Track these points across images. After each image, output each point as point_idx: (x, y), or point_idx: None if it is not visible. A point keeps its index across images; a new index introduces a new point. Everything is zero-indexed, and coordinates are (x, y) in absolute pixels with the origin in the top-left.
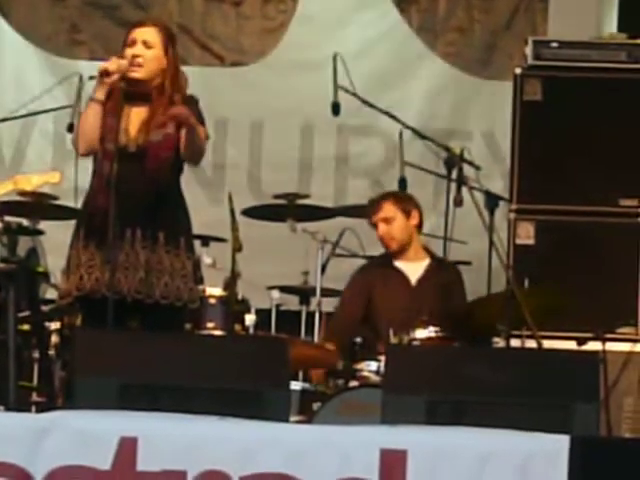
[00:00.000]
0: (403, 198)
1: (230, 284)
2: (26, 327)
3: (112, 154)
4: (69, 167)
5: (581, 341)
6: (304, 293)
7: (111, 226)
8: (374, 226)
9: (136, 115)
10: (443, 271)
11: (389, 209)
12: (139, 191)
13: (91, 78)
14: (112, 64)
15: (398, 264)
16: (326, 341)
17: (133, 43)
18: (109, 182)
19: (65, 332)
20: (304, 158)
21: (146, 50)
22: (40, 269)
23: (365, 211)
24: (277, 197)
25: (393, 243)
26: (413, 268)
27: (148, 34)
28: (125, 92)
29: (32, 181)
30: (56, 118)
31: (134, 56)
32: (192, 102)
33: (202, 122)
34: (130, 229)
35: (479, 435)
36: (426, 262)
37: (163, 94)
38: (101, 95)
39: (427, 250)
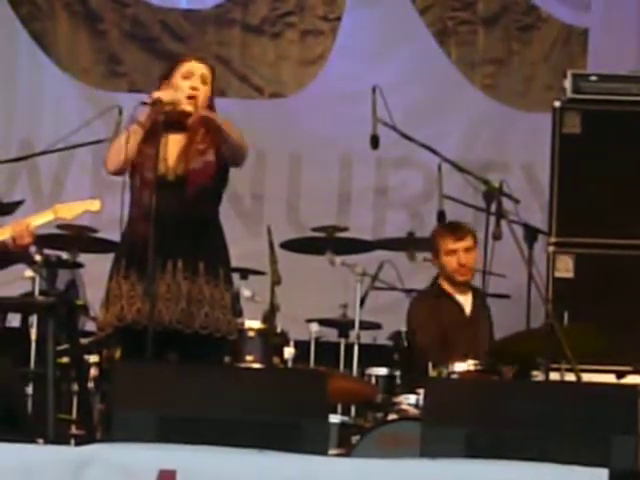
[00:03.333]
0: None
1: (269, 317)
2: (65, 360)
3: (151, 183)
4: (107, 199)
5: (620, 374)
6: (343, 326)
7: (151, 258)
8: (438, 255)
9: (174, 143)
10: (485, 302)
11: (472, 240)
12: (179, 220)
13: (143, 104)
14: (167, 95)
15: (455, 296)
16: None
17: (190, 75)
18: (149, 212)
19: (104, 365)
20: (343, 190)
21: (202, 85)
22: (79, 302)
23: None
24: (316, 230)
25: (470, 273)
26: (464, 299)
27: (205, 70)
28: (163, 120)
29: (72, 209)
30: (95, 150)
31: (193, 88)
32: None
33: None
34: (171, 260)
35: (518, 468)
36: (470, 294)
37: (201, 124)
38: (147, 121)
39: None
